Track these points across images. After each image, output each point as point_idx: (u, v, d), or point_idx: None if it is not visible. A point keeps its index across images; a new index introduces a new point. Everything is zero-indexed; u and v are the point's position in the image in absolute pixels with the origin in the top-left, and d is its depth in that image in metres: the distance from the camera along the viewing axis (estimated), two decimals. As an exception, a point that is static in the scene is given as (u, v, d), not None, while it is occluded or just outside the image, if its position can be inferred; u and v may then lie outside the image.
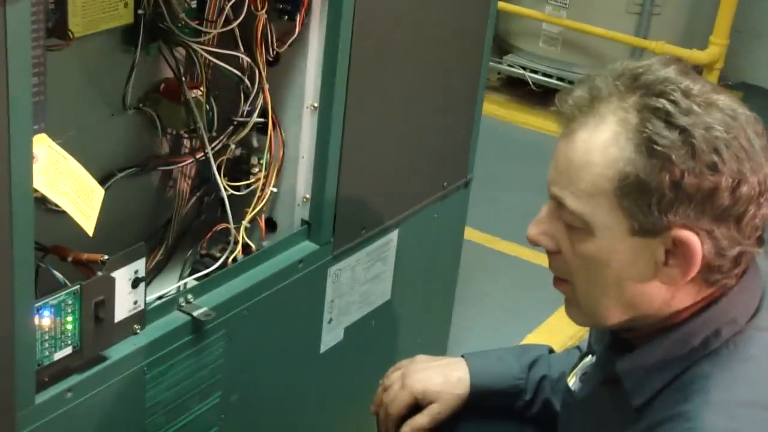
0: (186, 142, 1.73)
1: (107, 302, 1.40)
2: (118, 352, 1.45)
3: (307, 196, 1.76)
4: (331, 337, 1.89)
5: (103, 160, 1.60)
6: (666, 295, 1.15)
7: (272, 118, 1.70)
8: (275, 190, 1.75)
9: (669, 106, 1.09)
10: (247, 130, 1.68)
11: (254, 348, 1.70)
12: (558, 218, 1.18)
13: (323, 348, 1.89)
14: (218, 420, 1.67)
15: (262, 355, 1.73)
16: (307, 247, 1.77)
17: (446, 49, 1.93)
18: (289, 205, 1.77)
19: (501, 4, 3.84)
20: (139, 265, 1.45)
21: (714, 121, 1.09)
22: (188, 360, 1.56)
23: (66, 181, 1.30)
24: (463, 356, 1.55)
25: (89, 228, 1.34)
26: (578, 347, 1.52)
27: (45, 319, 1.32)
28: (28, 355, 1.30)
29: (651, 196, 1.09)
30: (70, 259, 1.47)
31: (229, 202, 1.74)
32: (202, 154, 1.67)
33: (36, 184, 1.24)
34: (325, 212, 1.77)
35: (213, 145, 1.68)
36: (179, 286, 1.64)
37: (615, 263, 1.14)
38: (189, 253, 1.74)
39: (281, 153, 1.73)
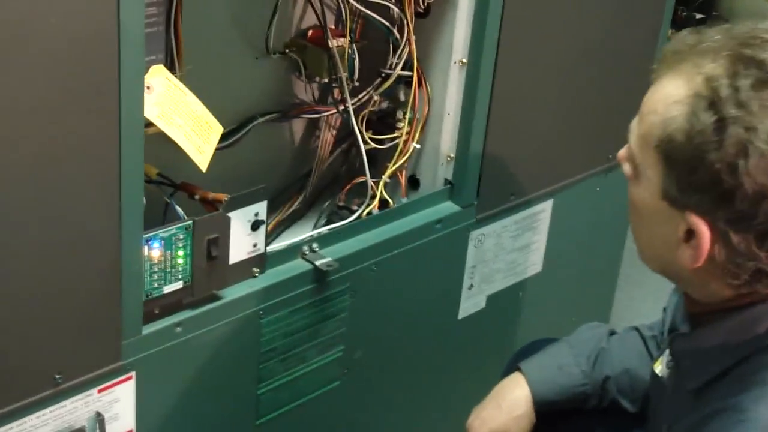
0: (333, 92, 1.71)
1: (221, 241, 1.39)
2: (233, 292, 1.45)
3: (452, 155, 1.70)
4: (471, 303, 1.83)
5: (245, 103, 1.60)
6: (692, 276, 1.07)
7: (418, 71, 1.65)
8: (419, 146, 1.70)
9: (724, 91, 0.99)
10: (390, 82, 1.64)
11: (383, 305, 1.67)
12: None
13: (462, 314, 1.83)
14: (340, 374, 1.65)
15: (391, 314, 1.69)
16: (447, 207, 1.72)
17: (617, 8, 1.82)
18: (433, 164, 1.72)
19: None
20: (260, 208, 1.44)
21: (764, 126, 0.98)
22: (308, 309, 1.54)
23: (181, 114, 1.30)
24: (519, 368, 1.47)
25: (203, 164, 1.34)
26: (650, 326, 1.48)
27: (154, 251, 1.33)
28: (135, 284, 1.31)
29: (675, 171, 1.02)
30: (197, 197, 1.48)
31: (374, 157, 1.71)
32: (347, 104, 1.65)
33: (147, 114, 1.25)
34: (469, 173, 1.70)
35: (359, 96, 1.66)
36: (310, 236, 1.62)
37: (646, 217, 1.09)
38: (327, 204, 1.72)
39: (426, 108, 1.68)
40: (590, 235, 2.03)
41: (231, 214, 1.40)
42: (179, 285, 1.38)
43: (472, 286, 1.81)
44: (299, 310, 1.54)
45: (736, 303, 1.07)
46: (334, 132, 1.72)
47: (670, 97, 1.03)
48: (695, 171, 1.00)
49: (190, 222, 1.36)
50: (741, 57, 1.02)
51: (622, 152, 1.15)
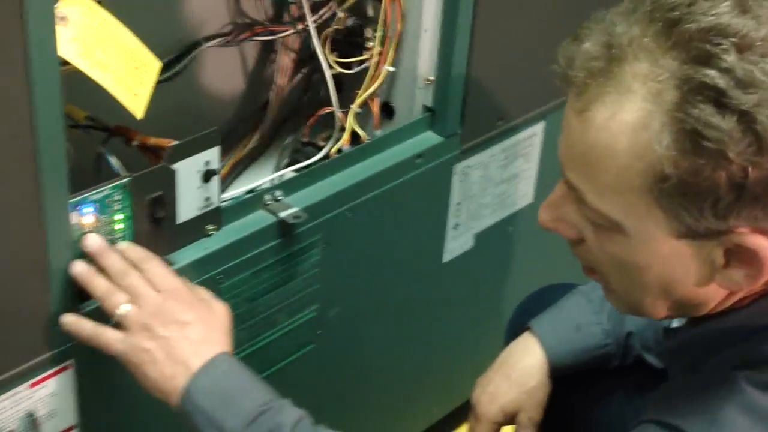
0: (290, 9, 1.46)
1: (167, 198, 1.17)
2: (185, 256, 1.22)
3: (431, 77, 1.47)
4: (457, 244, 1.62)
5: (186, 27, 1.36)
6: (724, 295, 0.89)
7: (389, -20, 1.41)
8: (392, 69, 1.46)
9: (720, 81, 0.77)
10: (357, -6, 1.40)
11: (360, 255, 1.45)
12: (576, 205, 0.89)
13: (448, 257, 1.62)
14: (314, 336, 1.44)
15: (369, 264, 1.48)
16: (428, 138, 1.49)
17: None
18: (410, 89, 1.49)
19: None
20: (211, 155, 1.21)
21: None
22: (275, 268, 1.33)
23: (108, 50, 1.06)
24: (529, 328, 1.27)
25: (138, 110, 1.09)
26: None
27: (87, 217, 1.10)
28: (64, 257, 1.08)
29: (702, 200, 0.81)
30: (136, 143, 1.25)
31: (341, 83, 1.48)
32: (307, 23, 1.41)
33: (63, 53, 1.00)
34: (451, 98, 1.48)
35: (321, 12, 1.42)
36: (272, 180, 1.40)
37: (657, 267, 0.87)
38: (288, 140, 1.49)
39: (400, 25, 1.44)
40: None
41: (177, 166, 1.17)
42: (120, 254, 1.15)
43: (457, 225, 1.60)
44: (264, 270, 1.32)
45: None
46: (293, 56, 1.47)
47: (630, 123, 0.81)
48: (741, 188, 0.79)
49: (127, 179, 1.12)
50: (685, 35, 0.80)
51: (546, 218, 0.94)
